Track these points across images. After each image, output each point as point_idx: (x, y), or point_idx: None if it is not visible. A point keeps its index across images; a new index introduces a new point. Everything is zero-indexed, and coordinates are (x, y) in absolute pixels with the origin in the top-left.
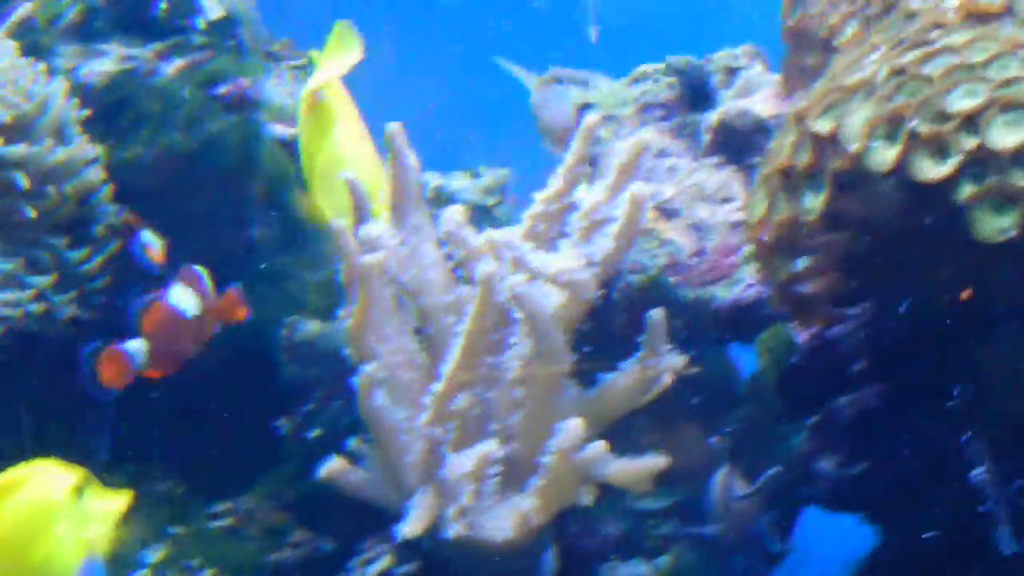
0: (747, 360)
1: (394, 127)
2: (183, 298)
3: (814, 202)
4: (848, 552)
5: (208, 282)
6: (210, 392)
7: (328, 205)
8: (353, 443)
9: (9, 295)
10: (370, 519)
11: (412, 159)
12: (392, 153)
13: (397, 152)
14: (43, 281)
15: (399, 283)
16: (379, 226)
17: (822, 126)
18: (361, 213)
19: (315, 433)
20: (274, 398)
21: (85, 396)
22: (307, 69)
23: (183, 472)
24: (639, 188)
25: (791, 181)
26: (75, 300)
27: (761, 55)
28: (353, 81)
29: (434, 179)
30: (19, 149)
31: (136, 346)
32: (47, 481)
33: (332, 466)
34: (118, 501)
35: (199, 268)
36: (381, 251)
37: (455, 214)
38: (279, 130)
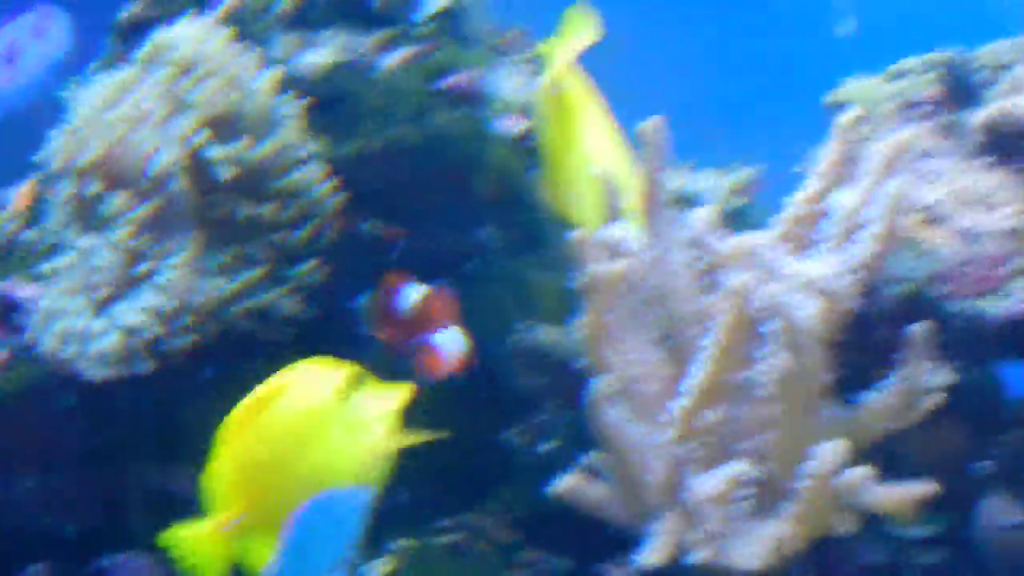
0: (1019, 380)
1: (653, 122)
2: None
3: None
4: None
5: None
6: (435, 400)
7: (573, 202)
8: (590, 457)
9: (221, 287)
10: (607, 538)
11: (667, 158)
12: (648, 150)
13: (654, 149)
14: (255, 274)
15: (643, 289)
16: (625, 229)
17: None
18: (611, 212)
19: (548, 446)
20: (504, 408)
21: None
22: (537, 61)
23: (407, 483)
24: (899, 187)
25: None
26: (291, 296)
27: None
28: (591, 71)
29: (676, 178)
30: (229, 143)
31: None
32: (317, 380)
33: (568, 481)
34: (395, 398)
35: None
36: (626, 257)
37: (703, 217)
38: (509, 124)
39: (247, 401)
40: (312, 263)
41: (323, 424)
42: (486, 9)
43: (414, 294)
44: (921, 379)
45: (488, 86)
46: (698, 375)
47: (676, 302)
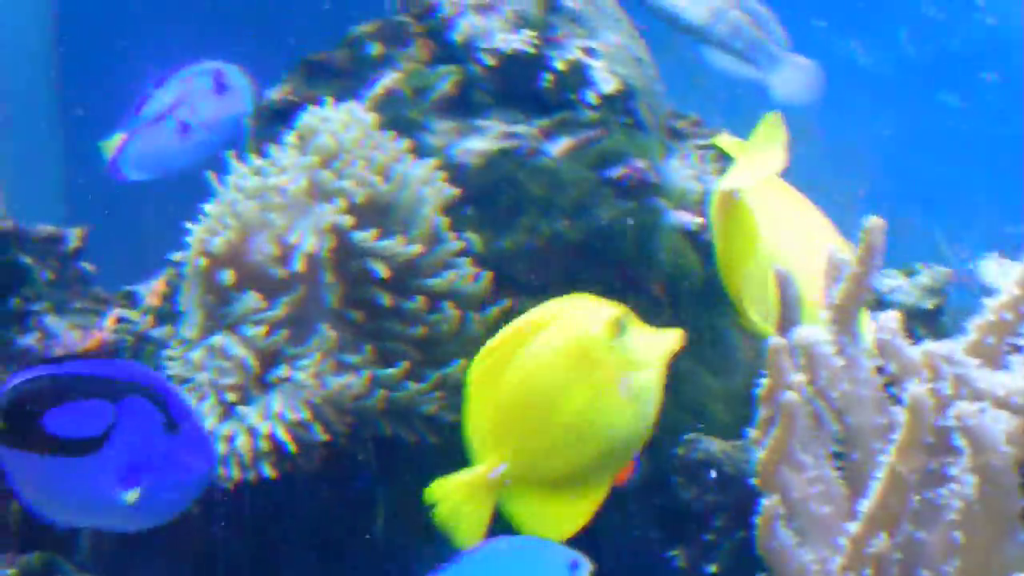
0: None
1: (877, 223)
2: None
3: None
4: None
5: None
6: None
7: (755, 312)
8: None
9: (355, 383)
10: None
11: (880, 261)
12: (863, 249)
13: (870, 249)
14: (395, 371)
15: (827, 398)
16: (816, 331)
17: None
18: (791, 318)
19: (713, 568)
20: (667, 525)
21: None
22: (715, 151)
23: None
24: None
25: None
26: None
27: None
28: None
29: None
30: (370, 235)
31: None
32: (584, 314)
33: None
34: (669, 340)
35: None
36: (818, 365)
37: (890, 321)
38: (683, 218)
39: (506, 334)
40: (460, 363)
41: (592, 362)
42: (662, 92)
43: None
44: None
45: (662, 176)
46: (872, 497)
47: (861, 414)
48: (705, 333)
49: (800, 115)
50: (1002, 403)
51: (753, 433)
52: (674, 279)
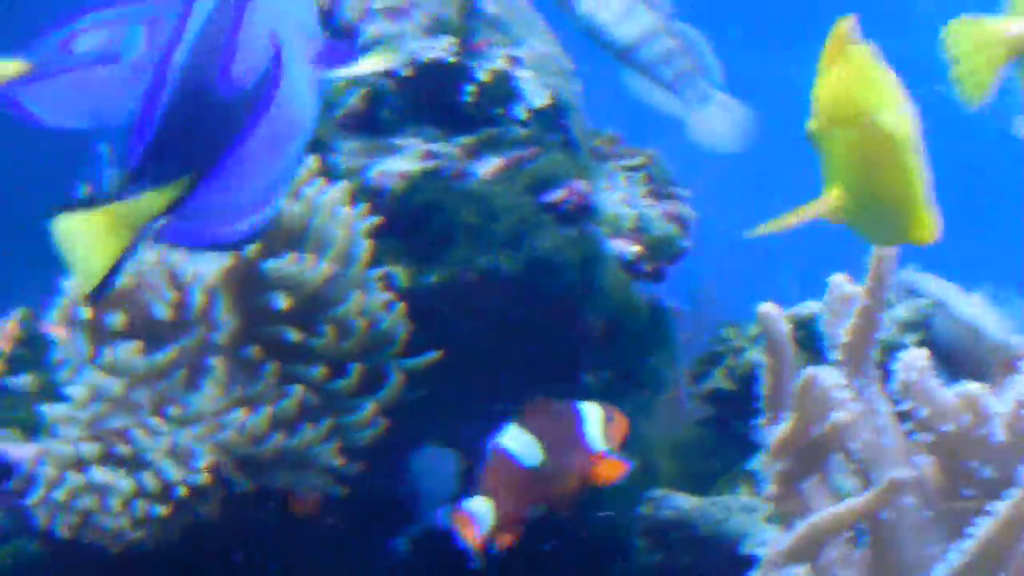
0: None
1: (887, 251)
2: (519, 443)
3: None
4: None
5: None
6: None
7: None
8: None
9: (258, 423)
10: None
11: (887, 292)
12: (872, 280)
13: (877, 280)
14: (290, 407)
15: (846, 450)
16: (833, 375)
17: None
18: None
19: None
20: None
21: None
22: (645, 169)
23: None
24: None
25: None
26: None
27: None
28: None
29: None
30: (280, 263)
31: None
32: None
33: None
34: None
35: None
36: (839, 412)
37: (918, 359)
38: (620, 247)
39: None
40: (368, 410)
41: None
42: (583, 108)
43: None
44: None
45: (597, 199)
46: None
47: (887, 466)
48: (646, 378)
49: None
50: None
51: (771, 489)
52: (616, 316)
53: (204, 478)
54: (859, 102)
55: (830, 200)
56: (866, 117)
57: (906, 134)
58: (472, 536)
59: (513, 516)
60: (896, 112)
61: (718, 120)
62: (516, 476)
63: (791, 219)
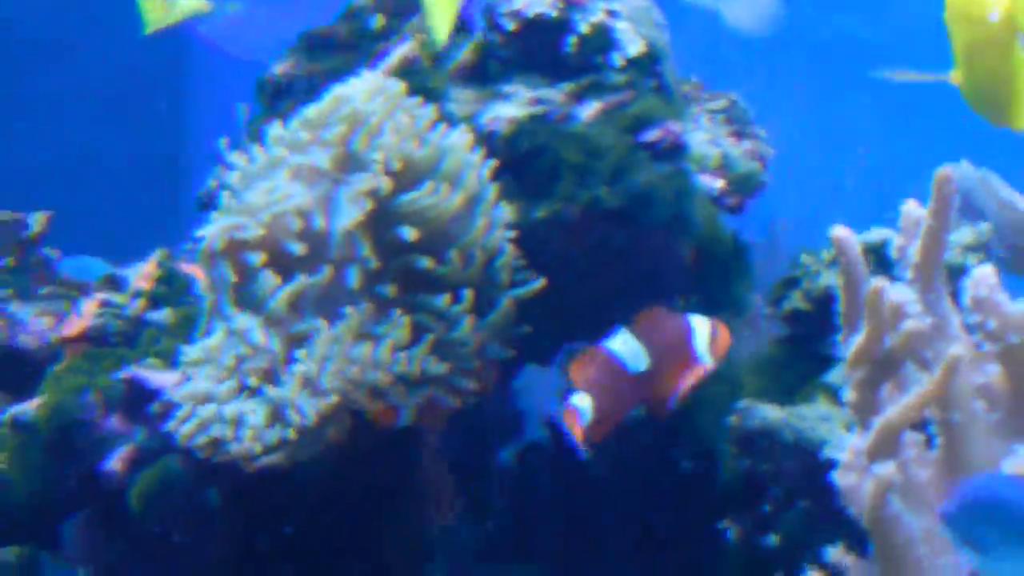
0: None
1: (945, 172)
2: (627, 349)
3: None
4: None
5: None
6: (645, 481)
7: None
8: (836, 551)
9: (394, 359)
10: None
11: (953, 216)
12: (936, 202)
13: (942, 203)
14: (419, 349)
15: (920, 360)
16: (904, 291)
17: None
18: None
19: (774, 539)
20: (714, 495)
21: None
22: (727, 112)
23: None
24: None
25: None
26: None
27: None
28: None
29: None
30: (417, 194)
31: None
32: None
33: None
34: None
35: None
36: (910, 322)
37: (988, 276)
38: (707, 182)
39: None
40: (480, 334)
41: None
42: (673, 55)
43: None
44: None
45: (687, 138)
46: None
47: (951, 375)
48: (729, 302)
49: None
50: None
51: (850, 395)
52: (704, 245)
53: (332, 406)
54: (974, 6)
55: (952, 79)
56: (980, 18)
57: (1009, 36)
58: (576, 428)
59: (610, 415)
60: (1002, 15)
61: (746, 4)
62: (620, 379)
63: (918, 76)
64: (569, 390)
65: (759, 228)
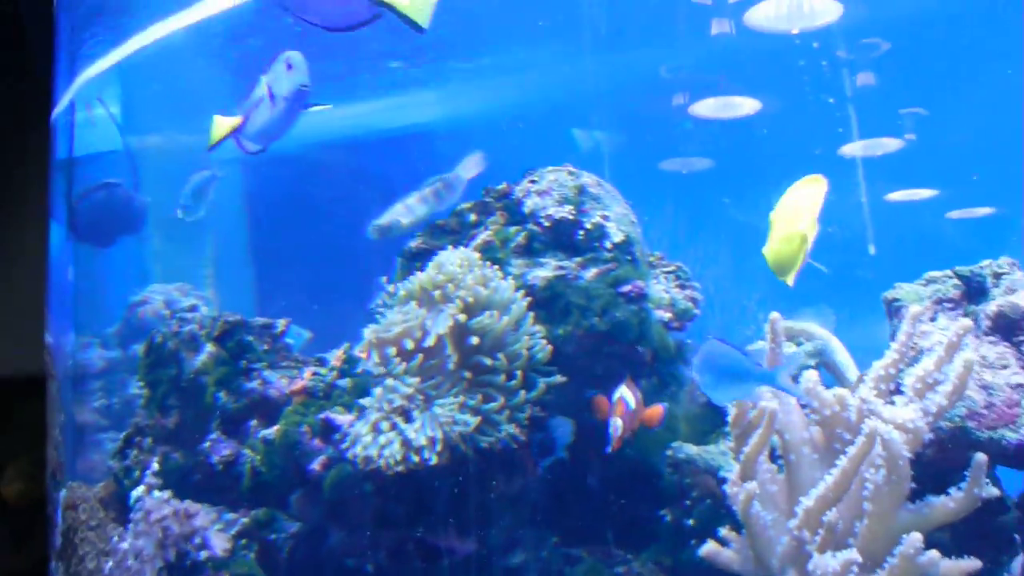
0: (1015, 483)
1: (774, 316)
2: (628, 396)
3: None
4: None
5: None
6: (619, 486)
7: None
8: (724, 531)
9: (469, 416)
10: None
11: (782, 340)
12: (770, 336)
13: (774, 335)
14: (493, 407)
15: (771, 424)
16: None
17: None
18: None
19: (691, 521)
20: (658, 496)
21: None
22: (675, 273)
23: (594, 540)
24: (968, 360)
25: None
26: (511, 422)
27: (1017, 264)
28: None
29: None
30: (481, 318)
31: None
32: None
33: (710, 547)
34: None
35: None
36: (766, 401)
37: (812, 376)
38: (660, 315)
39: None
40: (520, 397)
41: None
42: (644, 239)
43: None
44: (980, 491)
45: (648, 290)
46: (825, 484)
47: (793, 432)
48: (670, 381)
49: None
50: (900, 426)
51: (731, 444)
52: (657, 350)
53: (440, 441)
54: (788, 221)
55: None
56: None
57: (799, 242)
58: (615, 436)
59: (625, 430)
60: (800, 230)
61: None
62: (626, 410)
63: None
64: (609, 416)
65: (696, 337)
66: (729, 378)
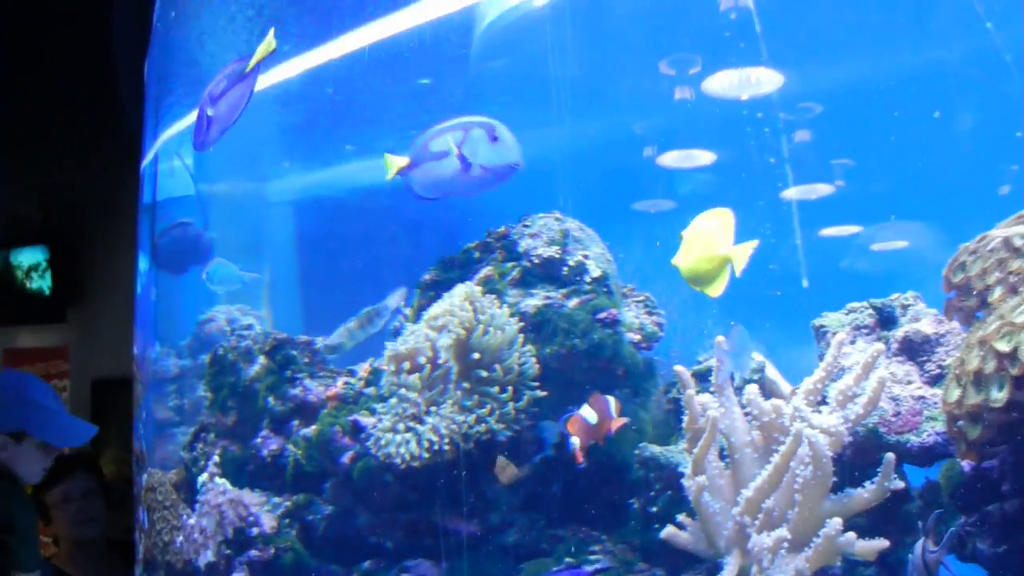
0: (919, 478)
1: (720, 338)
2: (588, 413)
3: (999, 395)
4: None
5: (612, 404)
6: (596, 479)
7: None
8: (681, 517)
9: (470, 419)
10: (687, 561)
11: (728, 363)
12: (716, 350)
13: (720, 351)
14: (483, 412)
15: (718, 428)
16: (707, 397)
17: (1002, 346)
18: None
19: (655, 508)
20: (628, 487)
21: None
22: (644, 302)
23: (578, 522)
24: (883, 375)
25: (980, 380)
26: (503, 424)
27: (920, 297)
28: None
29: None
30: (480, 336)
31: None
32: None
33: (669, 531)
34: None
35: (608, 398)
36: (713, 410)
37: (753, 389)
38: (631, 337)
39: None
40: (510, 407)
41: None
42: (618, 274)
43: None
44: (889, 483)
45: (621, 316)
46: (762, 477)
47: (736, 435)
48: (641, 391)
49: None
50: (824, 430)
51: (684, 445)
52: (628, 366)
53: (446, 440)
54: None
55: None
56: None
57: (718, 263)
58: (576, 449)
59: (583, 444)
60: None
61: None
62: (585, 427)
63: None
64: (568, 433)
65: (662, 354)
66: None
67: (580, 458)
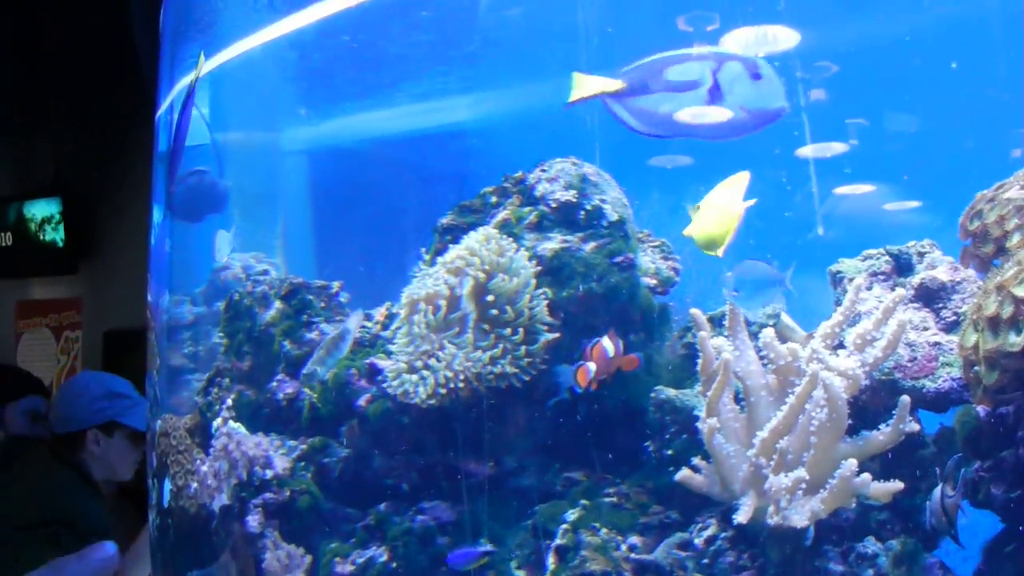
0: (933, 424)
1: (730, 304)
2: (608, 344)
3: (1017, 339)
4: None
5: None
6: (611, 422)
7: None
8: (696, 460)
9: (483, 358)
10: (701, 503)
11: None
12: (729, 319)
13: (731, 316)
14: (496, 352)
15: (733, 371)
16: (721, 340)
17: (1020, 292)
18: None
19: (670, 452)
20: (643, 430)
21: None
22: (660, 247)
23: (589, 466)
24: (901, 321)
25: (997, 324)
26: (515, 367)
27: (936, 245)
28: None
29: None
30: (497, 280)
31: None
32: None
33: (684, 473)
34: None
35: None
36: (727, 353)
37: (769, 333)
38: (646, 281)
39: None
40: (522, 350)
41: None
42: (634, 219)
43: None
44: (905, 426)
45: (637, 261)
46: (776, 418)
47: (751, 378)
48: (656, 335)
49: None
50: (841, 373)
51: (698, 388)
52: (644, 310)
53: (461, 378)
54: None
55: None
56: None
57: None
58: (584, 379)
59: (599, 373)
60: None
61: None
62: (604, 357)
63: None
64: (583, 360)
65: (677, 299)
66: (759, 286)
67: (594, 384)
